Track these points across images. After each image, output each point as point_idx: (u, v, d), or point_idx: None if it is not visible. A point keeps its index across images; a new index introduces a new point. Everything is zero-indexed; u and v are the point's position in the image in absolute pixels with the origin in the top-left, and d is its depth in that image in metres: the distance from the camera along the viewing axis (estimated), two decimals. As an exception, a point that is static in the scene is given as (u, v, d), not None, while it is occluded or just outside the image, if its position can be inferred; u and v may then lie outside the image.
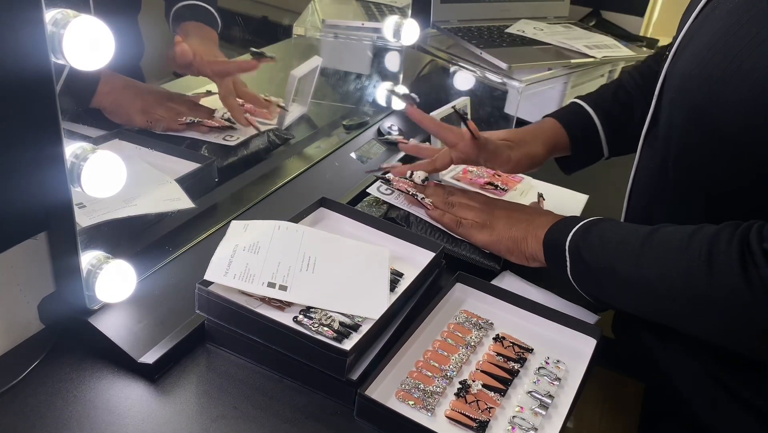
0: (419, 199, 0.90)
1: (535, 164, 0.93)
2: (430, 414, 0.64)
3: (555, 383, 0.70)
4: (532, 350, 0.74)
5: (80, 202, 0.71)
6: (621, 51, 1.34)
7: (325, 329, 0.68)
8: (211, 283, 0.71)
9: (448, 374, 0.68)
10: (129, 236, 0.79)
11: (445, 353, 0.71)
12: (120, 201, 0.77)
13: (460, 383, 0.68)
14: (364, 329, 0.69)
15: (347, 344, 0.66)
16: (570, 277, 0.75)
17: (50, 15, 0.56)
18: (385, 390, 0.66)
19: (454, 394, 0.67)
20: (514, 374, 0.70)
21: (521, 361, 0.72)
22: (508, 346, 0.74)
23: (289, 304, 0.71)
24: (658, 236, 0.67)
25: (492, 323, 0.77)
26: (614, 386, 0.81)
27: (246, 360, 0.71)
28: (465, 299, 0.80)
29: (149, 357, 0.67)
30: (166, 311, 0.73)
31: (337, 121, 1.19)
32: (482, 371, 0.70)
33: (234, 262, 0.73)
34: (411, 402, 0.65)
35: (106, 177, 0.64)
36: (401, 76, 1.25)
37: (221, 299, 0.69)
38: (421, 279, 0.78)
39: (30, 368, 0.66)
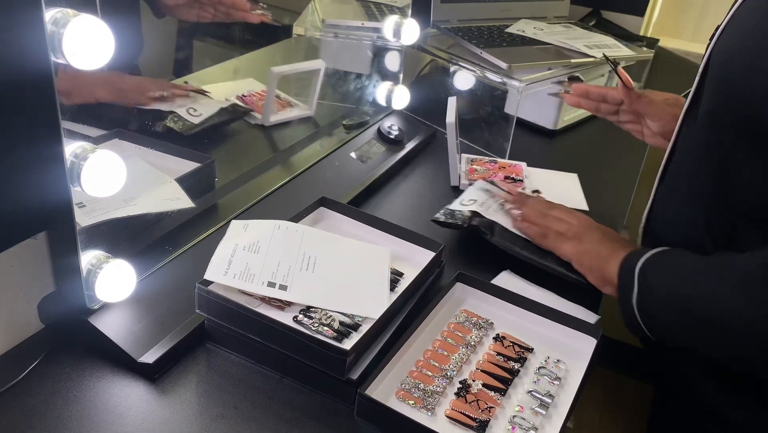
0: (507, 209, 0.91)
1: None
2: (430, 414, 0.64)
3: (555, 382, 0.70)
4: (533, 349, 0.74)
5: (80, 201, 0.71)
6: (621, 51, 1.34)
7: (325, 328, 0.68)
8: (211, 282, 0.71)
9: (449, 373, 0.68)
10: (129, 235, 0.79)
11: (445, 353, 0.71)
12: (120, 201, 0.77)
13: (460, 382, 0.68)
14: (364, 328, 0.69)
15: (347, 344, 0.66)
16: (634, 305, 0.72)
17: (50, 14, 0.56)
18: (385, 389, 0.66)
19: (455, 393, 0.66)
20: (514, 373, 0.70)
21: (521, 360, 0.71)
22: (509, 345, 0.73)
23: (289, 303, 0.71)
24: (733, 270, 0.65)
25: (492, 323, 0.77)
26: (614, 386, 0.81)
27: (246, 360, 0.71)
28: (465, 299, 0.80)
29: (149, 357, 0.67)
30: (166, 310, 0.73)
31: (337, 121, 1.19)
32: (482, 371, 0.69)
33: (234, 261, 0.73)
34: (411, 402, 0.65)
35: (106, 176, 0.64)
36: (401, 76, 1.25)
37: (221, 299, 0.69)
38: (421, 279, 0.78)
39: (30, 368, 0.66)
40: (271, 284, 0.71)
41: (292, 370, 0.69)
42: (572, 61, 1.25)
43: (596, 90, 1.00)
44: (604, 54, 0.83)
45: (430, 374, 0.68)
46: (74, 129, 0.73)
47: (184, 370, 0.69)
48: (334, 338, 0.67)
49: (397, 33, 1.17)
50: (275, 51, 1.17)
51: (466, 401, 0.66)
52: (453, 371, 0.69)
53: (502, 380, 0.69)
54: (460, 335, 0.74)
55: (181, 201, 0.84)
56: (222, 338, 0.72)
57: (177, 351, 0.70)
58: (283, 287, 0.72)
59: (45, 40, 0.56)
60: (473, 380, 0.68)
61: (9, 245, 0.66)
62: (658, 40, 1.62)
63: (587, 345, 0.74)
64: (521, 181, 1.11)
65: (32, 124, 0.61)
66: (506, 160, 1.18)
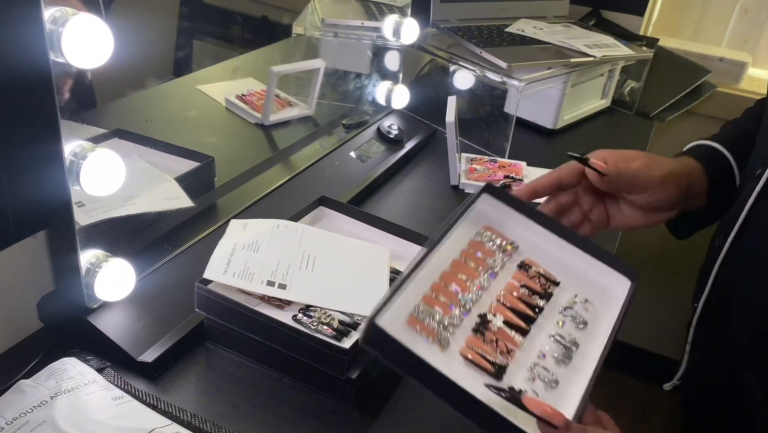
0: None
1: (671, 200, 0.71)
2: (443, 350, 0.55)
3: (581, 327, 0.61)
4: (559, 283, 0.64)
5: (79, 200, 0.71)
6: (621, 50, 1.34)
7: (325, 327, 0.68)
8: (210, 281, 0.71)
9: (467, 304, 0.59)
10: (128, 234, 0.79)
11: (464, 277, 0.61)
12: (119, 200, 0.77)
13: (479, 316, 0.59)
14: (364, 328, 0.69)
15: (347, 343, 0.66)
16: None
17: (49, 13, 0.56)
18: (396, 314, 0.56)
19: (472, 329, 0.58)
20: (538, 311, 0.61)
21: (547, 296, 0.63)
22: (534, 276, 0.64)
23: (289, 302, 0.71)
24: None
25: (517, 247, 0.66)
26: (616, 387, 0.81)
27: (245, 359, 0.71)
28: (490, 214, 0.68)
29: (148, 356, 0.67)
30: (166, 309, 0.73)
31: (336, 121, 1.19)
32: (504, 305, 0.61)
33: (233, 260, 0.73)
34: (424, 333, 0.55)
35: (106, 176, 0.64)
36: (401, 76, 1.25)
37: (220, 298, 0.69)
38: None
39: (29, 367, 0.66)
40: (271, 283, 0.71)
41: (292, 369, 0.69)
42: (572, 60, 1.25)
43: (545, 182, 0.72)
44: (568, 153, 0.68)
45: (446, 301, 0.58)
46: (73, 128, 0.73)
47: (184, 369, 0.69)
48: (334, 337, 0.67)
49: (396, 32, 1.17)
50: (275, 50, 1.17)
51: (485, 340, 0.57)
52: (471, 301, 0.60)
53: (525, 318, 0.60)
54: (481, 256, 0.64)
55: (181, 200, 0.84)
56: (221, 337, 0.72)
57: (176, 350, 0.70)
58: (282, 286, 0.72)
59: (44, 39, 0.56)
60: (494, 315, 0.59)
61: (8, 243, 0.66)
62: (657, 40, 1.62)
63: (621, 286, 0.64)
64: (521, 180, 1.10)
65: (31, 123, 0.61)
66: (506, 160, 1.18)
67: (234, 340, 0.71)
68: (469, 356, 0.55)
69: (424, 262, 0.59)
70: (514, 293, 0.62)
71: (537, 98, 1.31)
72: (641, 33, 1.68)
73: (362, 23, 1.23)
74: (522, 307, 0.61)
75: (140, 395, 0.64)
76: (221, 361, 0.71)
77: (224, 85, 1.13)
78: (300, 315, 0.70)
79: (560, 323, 0.61)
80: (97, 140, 0.82)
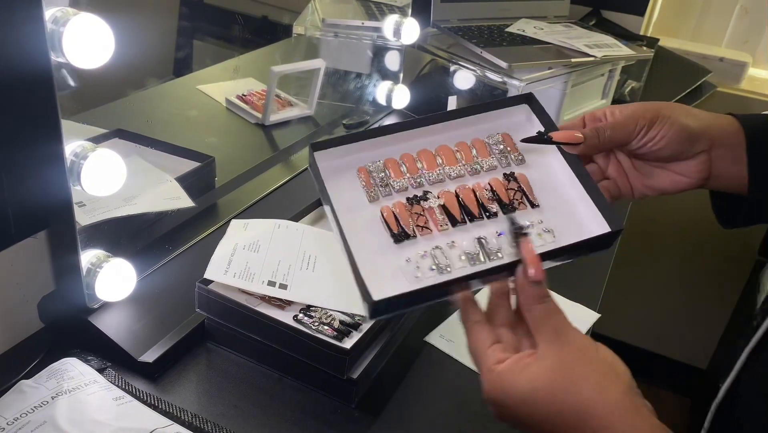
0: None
1: (684, 145, 0.57)
2: (370, 202, 0.56)
3: (515, 245, 0.53)
4: (537, 206, 0.57)
5: (80, 200, 0.71)
6: (621, 50, 1.34)
7: (326, 327, 0.68)
8: (211, 281, 0.71)
9: (422, 179, 0.57)
10: (129, 234, 0.79)
11: (440, 161, 0.58)
12: (120, 200, 0.77)
13: (423, 192, 0.57)
14: (365, 327, 0.69)
15: (347, 343, 0.66)
16: None
17: (50, 13, 0.56)
18: (351, 157, 0.57)
19: (406, 198, 0.56)
20: (488, 215, 0.56)
21: (509, 209, 0.56)
22: (512, 189, 0.57)
23: (290, 302, 0.71)
24: None
25: (524, 161, 0.60)
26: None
27: (246, 359, 0.71)
28: (518, 126, 0.61)
29: (149, 356, 0.67)
30: (166, 309, 0.73)
31: (337, 120, 1.19)
32: (456, 195, 0.56)
33: (234, 260, 0.73)
34: (363, 182, 0.56)
35: (106, 176, 0.64)
36: (401, 76, 1.25)
37: (221, 298, 0.69)
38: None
39: (29, 367, 0.66)
40: (271, 283, 0.71)
41: (293, 369, 0.69)
42: (572, 60, 1.24)
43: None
44: (523, 139, 0.59)
45: (405, 170, 0.57)
46: (74, 128, 0.73)
47: (184, 369, 0.69)
48: (335, 337, 0.67)
49: (397, 32, 1.17)
50: (275, 50, 1.17)
51: (410, 210, 0.55)
52: (429, 180, 0.57)
53: (467, 213, 0.56)
54: (474, 154, 0.59)
55: (181, 200, 0.84)
56: (222, 337, 0.72)
57: (177, 350, 0.70)
58: (283, 286, 0.72)
59: (45, 39, 0.56)
60: (437, 197, 0.56)
61: (9, 243, 0.66)
62: (658, 40, 1.62)
63: (598, 227, 0.56)
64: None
65: (32, 123, 0.61)
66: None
67: (235, 340, 0.71)
68: (384, 214, 0.55)
69: (413, 129, 0.59)
70: (476, 192, 0.57)
71: (537, 98, 1.31)
72: (641, 33, 1.68)
73: (362, 23, 1.23)
74: (472, 203, 0.57)
75: (141, 396, 0.64)
76: (222, 361, 0.71)
77: (224, 85, 1.13)
78: (301, 315, 0.70)
79: (497, 232, 0.56)
80: (97, 140, 0.82)
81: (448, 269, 0.53)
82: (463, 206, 0.56)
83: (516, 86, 1.16)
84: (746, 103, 1.66)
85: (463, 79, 1.28)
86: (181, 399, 0.66)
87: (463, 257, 0.53)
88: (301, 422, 0.65)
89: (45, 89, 0.58)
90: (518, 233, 0.51)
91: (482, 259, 0.53)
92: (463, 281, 0.52)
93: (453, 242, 0.54)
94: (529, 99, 0.62)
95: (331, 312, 0.70)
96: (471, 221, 0.56)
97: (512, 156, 0.60)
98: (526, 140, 0.58)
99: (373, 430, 0.65)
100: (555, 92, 1.31)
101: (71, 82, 0.62)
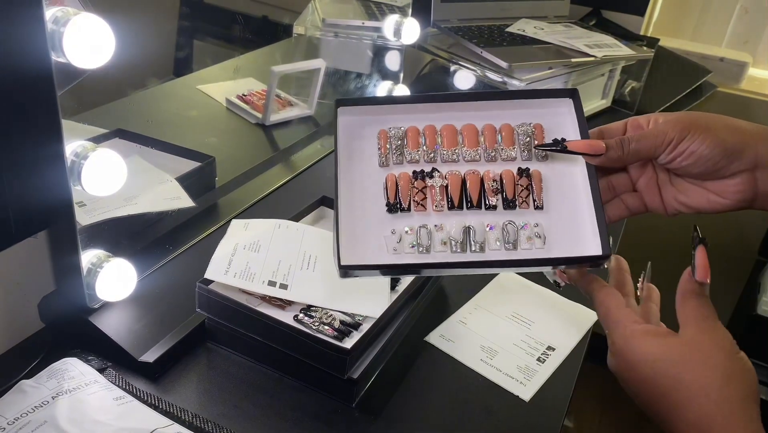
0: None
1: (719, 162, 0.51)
2: (379, 165, 0.56)
3: (497, 244, 0.54)
4: (540, 208, 0.56)
5: (80, 200, 0.71)
6: (621, 50, 1.34)
7: (326, 327, 0.68)
8: (211, 281, 0.71)
9: (437, 156, 0.57)
10: (129, 234, 0.79)
11: (460, 140, 0.57)
12: (120, 200, 0.77)
13: (433, 168, 0.56)
14: (365, 327, 0.69)
15: (348, 343, 0.66)
16: None
17: (50, 13, 0.56)
18: (375, 121, 0.57)
19: (413, 171, 0.56)
20: (485, 206, 0.55)
21: (510, 204, 0.55)
22: (521, 185, 0.56)
23: (290, 302, 0.71)
24: None
25: (547, 158, 0.57)
26: (614, 382, 0.81)
27: (246, 359, 0.71)
28: (557, 118, 0.58)
29: (149, 356, 0.67)
30: (167, 309, 0.73)
31: (337, 121, 1.19)
32: (463, 178, 0.56)
33: (234, 260, 0.73)
34: (380, 144, 0.56)
35: (107, 175, 0.64)
36: (402, 76, 1.25)
37: (222, 298, 0.69)
38: (422, 278, 0.78)
39: (30, 367, 0.66)
40: (272, 283, 0.71)
41: (293, 369, 0.69)
42: (572, 60, 1.24)
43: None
44: (537, 146, 0.57)
45: (423, 141, 0.57)
46: (75, 128, 0.74)
47: (185, 369, 0.69)
48: (335, 337, 0.67)
49: (397, 32, 1.17)
50: (275, 50, 1.17)
51: (412, 184, 0.55)
52: (443, 157, 0.56)
53: (467, 199, 0.55)
54: (498, 143, 0.57)
55: (182, 200, 0.84)
56: (222, 337, 0.72)
57: (177, 350, 0.70)
58: (283, 286, 0.72)
59: (45, 39, 0.56)
60: (444, 178, 0.56)
61: (9, 243, 0.66)
62: (658, 40, 1.62)
63: (589, 247, 0.54)
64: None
65: (33, 123, 0.61)
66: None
67: (235, 340, 0.71)
68: (388, 183, 0.55)
69: (450, 105, 0.58)
70: (484, 180, 0.56)
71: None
72: (642, 33, 1.68)
73: (363, 23, 1.23)
74: (475, 190, 0.56)
75: (141, 395, 0.64)
76: (222, 361, 0.71)
77: (225, 85, 1.13)
78: (301, 315, 0.70)
79: (488, 226, 0.55)
80: (98, 140, 0.82)
81: (427, 250, 0.53)
82: (465, 191, 0.56)
83: (516, 86, 1.16)
84: (746, 103, 1.66)
85: (464, 79, 1.28)
86: (181, 399, 0.66)
87: (446, 242, 0.53)
88: (301, 422, 0.65)
89: (45, 89, 0.58)
90: (700, 241, 0.52)
91: (463, 249, 0.53)
92: (435, 267, 0.54)
93: (442, 224, 0.54)
94: (573, 94, 0.58)
95: (332, 312, 0.70)
96: (469, 207, 0.55)
97: (536, 151, 0.57)
98: (540, 147, 0.56)
99: (373, 430, 0.65)
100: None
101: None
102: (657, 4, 1.75)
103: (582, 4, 1.66)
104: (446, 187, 0.56)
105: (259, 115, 1.09)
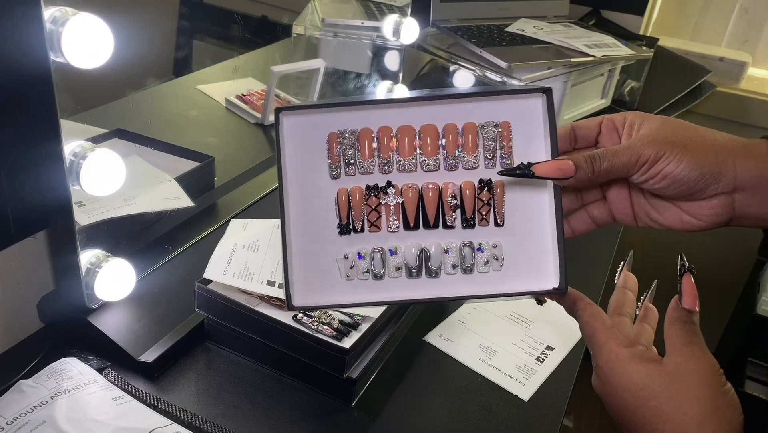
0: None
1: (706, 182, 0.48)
2: (331, 178, 0.51)
3: (453, 269, 0.52)
4: (502, 225, 0.52)
5: (79, 200, 0.71)
6: (621, 50, 1.34)
7: (325, 327, 0.68)
8: (210, 281, 0.71)
9: (393, 164, 0.52)
10: (128, 234, 0.79)
11: (416, 144, 0.52)
12: (119, 200, 0.77)
13: (388, 181, 0.52)
14: (364, 327, 0.69)
15: (347, 343, 0.66)
16: None
17: (49, 13, 0.56)
18: (321, 123, 0.52)
19: (366, 185, 0.51)
20: (442, 225, 0.52)
21: (469, 223, 0.52)
22: (481, 200, 0.52)
23: (289, 302, 0.71)
24: None
25: (513, 164, 0.52)
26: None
27: (245, 359, 0.71)
28: (522, 115, 0.53)
29: (148, 356, 0.67)
30: (166, 309, 0.73)
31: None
32: (419, 193, 0.52)
33: (233, 260, 0.73)
34: (331, 155, 0.51)
35: (106, 175, 0.64)
36: (401, 75, 1.25)
37: (221, 298, 0.69)
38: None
39: (29, 367, 0.66)
40: (271, 283, 0.71)
41: (292, 368, 0.69)
42: (572, 60, 1.24)
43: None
44: (500, 172, 0.51)
45: (377, 148, 0.52)
46: (73, 128, 0.73)
47: (184, 369, 0.69)
48: (334, 337, 0.67)
49: (396, 32, 1.17)
50: (275, 50, 1.17)
51: (366, 200, 0.51)
52: (399, 167, 0.52)
53: (424, 220, 0.51)
54: (459, 150, 0.52)
55: (181, 200, 0.84)
56: (221, 337, 0.72)
57: (176, 350, 0.70)
58: (282, 286, 0.71)
59: (44, 39, 0.56)
60: (399, 194, 0.51)
61: (8, 243, 0.66)
62: (657, 40, 1.62)
63: (547, 278, 0.52)
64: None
65: (31, 123, 0.61)
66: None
67: (234, 340, 0.71)
68: (339, 201, 0.51)
69: (417, 105, 0.52)
70: (443, 196, 0.52)
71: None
72: (641, 33, 1.68)
73: (362, 23, 1.23)
74: (432, 208, 0.52)
75: (140, 395, 0.64)
76: (221, 361, 0.71)
77: (224, 85, 1.13)
78: (300, 315, 0.70)
79: (445, 248, 0.52)
80: (97, 140, 0.82)
81: (381, 277, 0.51)
82: (422, 209, 0.52)
83: (515, 86, 1.16)
84: (746, 103, 1.66)
85: (463, 79, 1.28)
86: (180, 399, 0.66)
87: (400, 268, 0.51)
88: (301, 421, 0.65)
89: (44, 89, 0.58)
90: (686, 270, 0.50)
91: (418, 274, 0.51)
92: (389, 302, 0.53)
93: (396, 247, 0.51)
94: (546, 92, 0.52)
95: (331, 312, 0.70)
96: (426, 227, 0.52)
97: (502, 152, 0.52)
98: (503, 173, 0.50)
99: (372, 430, 0.65)
100: (554, 92, 1.31)
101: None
102: (656, 4, 1.75)
103: (581, 4, 1.66)
104: (402, 204, 0.52)
105: (259, 115, 1.09)
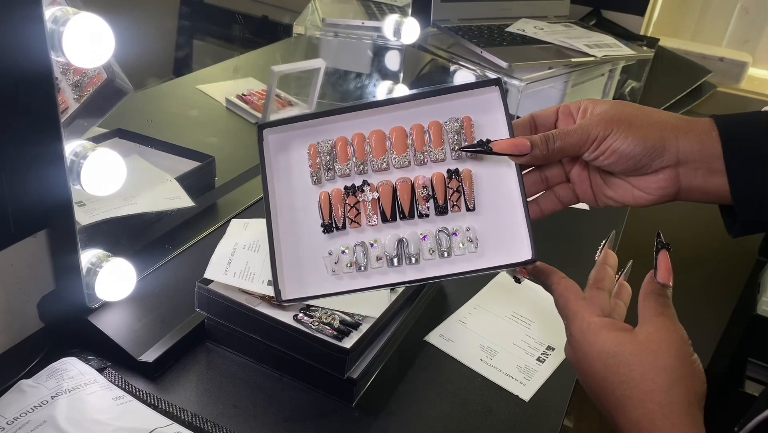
0: None
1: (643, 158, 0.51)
2: (313, 183, 0.55)
3: (431, 254, 0.54)
4: (472, 210, 0.55)
5: (80, 200, 0.71)
6: (621, 50, 1.34)
7: (326, 327, 0.68)
8: (211, 281, 0.71)
9: (367, 166, 0.56)
10: (129, 234, 0.79)
11: (388, 145, 0.56)
12: (120, 199, 0.77)
13: (364, 180, 0.55)
14: (365, 327, 0.69)
15: (347, 343, 0.66)
16: None
17: (50, 12, 0.56)
18: (302, 136, 0.56)
19: (345, 186, 0.55)
20: (418, 215, 0.55)
21: (441, 210, 0.55)
22: (451, 189, 0.55)
23: (289, 302, 0.71)
24: None
25: (482, 146, 0.54)
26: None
27: (246, 358, 0.71)
28: (483, 108, 0.56)
29: (149, 355, 0.67)
30: (166, 309, 0.73)
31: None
32: (393, 188, 0.55)
33: (234, 260, 0.73)
34: (311, 162, 0.55)
35: (106, 175, 0.64)
36: (402, 75, 1.25)
37: (221, 298, 0.69)
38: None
39: (29, 367, 0.66)
40: (271, 283, 0.71)
41: (292, 368, 0.69)
42: (572, 60, 1.25)
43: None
44: (460, 148, 0.55)
45: (352, 152, 0.55)
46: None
47: (184, 369, 0.69)
48: (335, 337, 0.67)
49: (397, 32, 1.17)
50: (275, 50, 1.17)
51: (345, 200, 0.55)
52: (374, 166, 0.55)
53: (400, 212, 0.55)
54: (426, 142, 0.56)
55: (181, 200, 0.84)
56: (222, 337, 0.72)
57: (177, 350, 0.69)
58: (283, 286, 0.71)
59: (45, 38, 0.56)
60: (376, 190, 0.55)
61: (9, 243, 0.66)
62: (658, 40, 1.62)
63: (520, 250, 0.54)
64: None
65: (32, 122, 0.61)
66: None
67: (234, 340, 0.71)
68: (321, 203, 0.55)
69: (381, 108, 0.56)
70: (415, 188, 0.56)
71: (537, 98, 1.31)
72: (642, 33, 1.68)
73: (363, 23, 1.23)
74: (406, 200, 0.56)
75: (141, 395, 0.64)
76: (222, 361, 0.71)
77: (225, 84, 1.13)
78: (301, 315, 0.70)
79: (421, 236, 0.55)
80: (97, 140, 0.82)
81: (365, 268, 0.54)
82: (397, 202, 0.56)
83: (516, 86, 1.16)
84: (746, 103, 1.66)
85: (463, 78, 1.28)
86: (180, 399, 0.66)
87: (381, 258, 0.54)
88: (301, 421, 0.65)
89: (45, 89, 0.58)
90: (662, 246, 0.52)
91: (399, 262, 0.54)
92: (374, 288, 0.55)
93: (376, 240, 0.55)
94: (497, 83, 0.56)
95: (331, 312, 0.70)
96: (402, 218, 0.55)
97: (466, 144, 0.55)
98: (464, 149, 0.55)
99: (372, 430, 0.65)
100: (555, 92, 1.31)
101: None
102: (657, 4, 1.75)
103: (582, 3, 1.66)
104: (378, 200, 0.55)
105: (259, 115, 1.09)
